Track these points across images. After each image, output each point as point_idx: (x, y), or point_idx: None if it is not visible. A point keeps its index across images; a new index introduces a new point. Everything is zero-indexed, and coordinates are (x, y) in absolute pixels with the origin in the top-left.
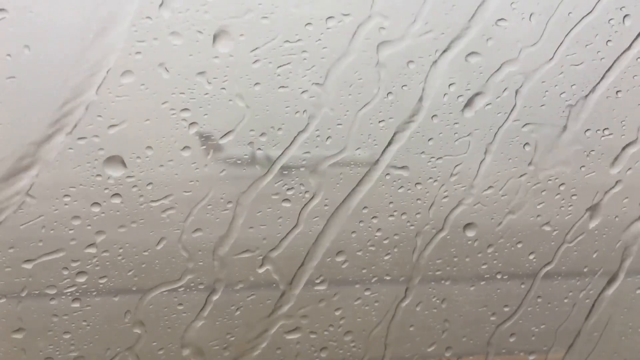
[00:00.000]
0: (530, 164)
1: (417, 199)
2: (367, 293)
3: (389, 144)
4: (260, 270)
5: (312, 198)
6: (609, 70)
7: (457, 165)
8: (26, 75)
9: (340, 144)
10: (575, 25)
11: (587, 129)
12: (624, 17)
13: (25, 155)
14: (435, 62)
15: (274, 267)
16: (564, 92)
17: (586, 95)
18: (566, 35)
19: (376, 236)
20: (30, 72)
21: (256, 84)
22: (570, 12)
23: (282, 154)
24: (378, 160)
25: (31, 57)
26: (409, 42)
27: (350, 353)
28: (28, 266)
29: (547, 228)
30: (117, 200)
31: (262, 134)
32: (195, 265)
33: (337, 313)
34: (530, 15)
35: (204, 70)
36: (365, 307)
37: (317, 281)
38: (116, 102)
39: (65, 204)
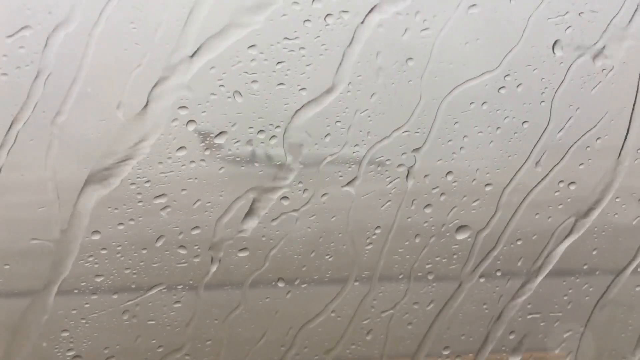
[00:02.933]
0: (529, 161)
1: (415, 198)
2: (366, 292)
3: (388, 142)
4: (259, 268)
5: (310, 196)
6: (613, 69)
7: (456, 163)
8: (23, 73)
9: (339, 142)
10: (569, 27)
11: (586, 127)
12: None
13: (23, 154)
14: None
15: (272, 265)
16: (562, 90)
17: (583, 93)
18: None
19: (375, 234)
20: (27, 69)
21: (254, 81)
22: (567, 12)
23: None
24: (375, 158)
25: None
26: (408, 39)
27: (349, 351)
28: None
29: (546, 225)
30: (115, 198)
31: (261, 132)
32: (194, 263)
33: (337, 312)
34: (529, 16)
35: (202, 68)
36: (365, 306)
37: (317, 280)
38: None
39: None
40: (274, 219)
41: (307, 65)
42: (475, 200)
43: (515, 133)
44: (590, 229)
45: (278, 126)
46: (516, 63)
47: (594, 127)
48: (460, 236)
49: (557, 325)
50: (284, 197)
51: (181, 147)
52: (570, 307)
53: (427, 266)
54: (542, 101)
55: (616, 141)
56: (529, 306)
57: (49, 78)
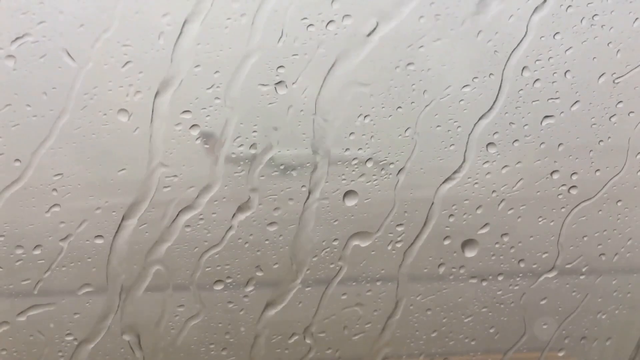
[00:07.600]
0: (530, 162)
1: (417, 200)
2: (368, 293)
3: (390, 144)
4: (260, 270)
5: (313, 199)
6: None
7: (457, 166)
8: (22, 73)
9: (342, 145)
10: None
11: (588, 126)
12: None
13: (22, 153)
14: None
15: (274, 267)
16: (559, 89)
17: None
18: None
19: (377, 237)
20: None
21: (258, 84)
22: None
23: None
24: (378, 161)
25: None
26: (410, 43)
27: (350, 352)
28: None
29: (548, 227)
30: (118, 201)
31: (265, 135)
32: (196, 266)
33: (338, 312)
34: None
35: (205, 71)
36: (366, 307)
37: (319, 282)
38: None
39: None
40: (275, 223)
41: (310, 70)
42: (478, 204)
43: (517, 136)
44: (591, 229)
45: (281, 130)
46: (512, 66)
47: (596, 129)
48: (462, 238)
49: (562, 325)
50: (287, 200)
51: (183, 151)
52: (572, 307)
53: (428, 268)
54: (542, 104)
55: (619, 143)
56: (529, 306)
57: (51, 81)
